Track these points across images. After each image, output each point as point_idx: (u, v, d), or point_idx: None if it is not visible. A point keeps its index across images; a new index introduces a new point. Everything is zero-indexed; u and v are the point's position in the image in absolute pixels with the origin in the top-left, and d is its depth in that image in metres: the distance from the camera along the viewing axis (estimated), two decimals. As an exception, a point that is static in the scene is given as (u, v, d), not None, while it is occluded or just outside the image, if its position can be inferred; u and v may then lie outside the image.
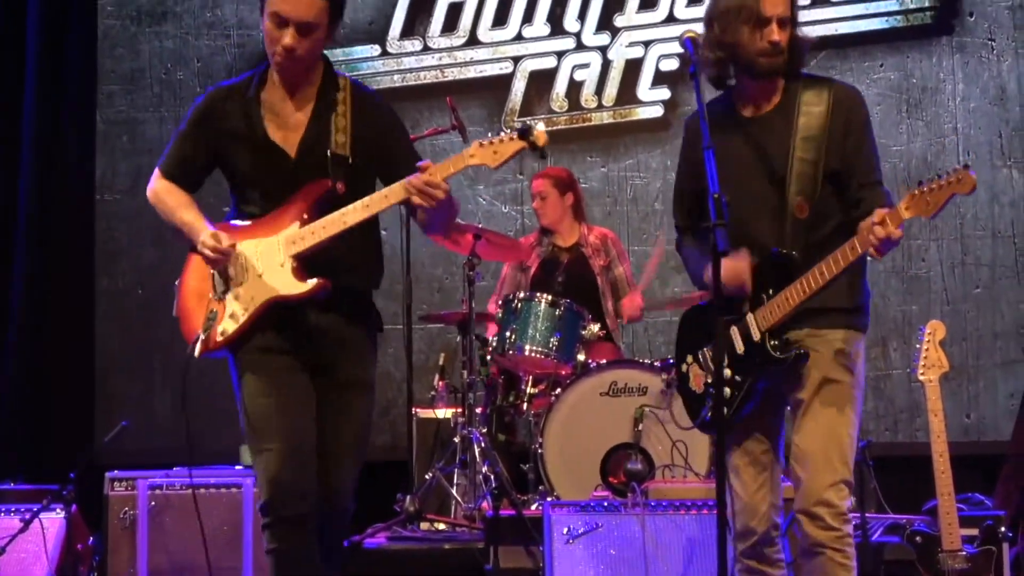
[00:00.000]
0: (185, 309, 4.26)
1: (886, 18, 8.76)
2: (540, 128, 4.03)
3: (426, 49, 9.06)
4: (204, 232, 4.12)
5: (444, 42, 9.04)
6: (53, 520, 6.17)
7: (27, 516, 6.09)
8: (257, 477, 4.17)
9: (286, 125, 4.20)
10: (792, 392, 4.13)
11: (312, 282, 4.09)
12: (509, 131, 4.07)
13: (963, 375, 8.44)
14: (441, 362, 7.85)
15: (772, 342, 4.04)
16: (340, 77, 4.26)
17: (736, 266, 4.03)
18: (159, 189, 4.33)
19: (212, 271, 4.18)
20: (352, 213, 4.07)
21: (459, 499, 6.84)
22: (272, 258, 4.11)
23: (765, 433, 4.21)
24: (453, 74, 9.05)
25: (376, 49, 9.05)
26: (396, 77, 9.04)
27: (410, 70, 9.02)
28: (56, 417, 8.69)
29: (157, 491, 6.31)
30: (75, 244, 8.93)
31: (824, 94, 4.15)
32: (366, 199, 4.08)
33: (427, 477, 7.00)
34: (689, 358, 4.29)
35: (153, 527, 6.28)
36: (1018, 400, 7.57)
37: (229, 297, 4.15)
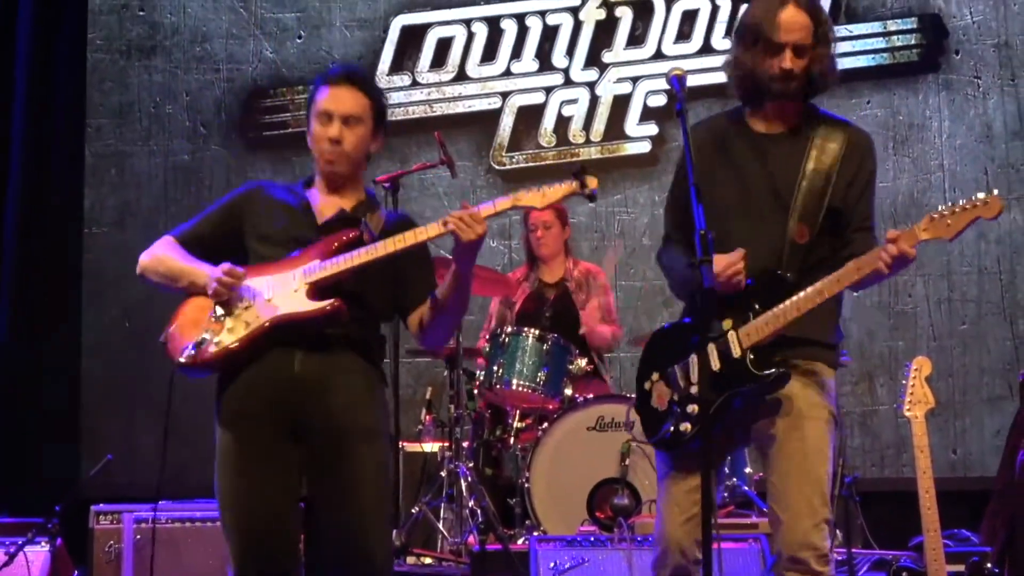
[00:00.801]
0: (174, 333, 4.05)
1: (873, 55, 8.81)
2: (590, 174, 3.96)
3: (415, 84, 9.10)
4: (216, 268, 4.02)
5: (433, 77, 9.08)
6: (38, 553, 6.15)
7: (12, 549, 6.06)
8: (228, 545, 3.98)
9: (319, 209, 4.19)
10: (761, 424, 4.08)
11: (326, 301, 3.94)
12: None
13: (949, 411, 8.45)
14: (428, 396, 7.85)
15: (752, 358, 3.99)
16: (378, 203, 4.32)
17: (730, 258, 3.96)
18: (166, 246, 4.22)
19: (214, 302, 4.03)
20: (381, 247, 3.99)
21: (445, 533, 6.82)
22: (286, 286, 3.99)
23: (714, 467, 4.15)
24: (442, 109, 9.09)
25: (365, 84, 9.07)
26: (385, 112, 9.05)
27: (399, 105, 9.05)
28: (41, 450, 8.67)
29: (142, 525, 6.28)
30: (62, 277, 8.93)
31: (840, 134, 4.15)
32: (397, 235, 4.02)
33: (413, 511, 6.98)
34: (655, 375, 4.21)
35: (138, 561, 6.25)
36: (1004, 436, 7.56)
37: (229, 319, 3.99)
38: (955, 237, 3.92)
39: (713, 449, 3.97)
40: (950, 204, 3.88)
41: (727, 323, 4.05)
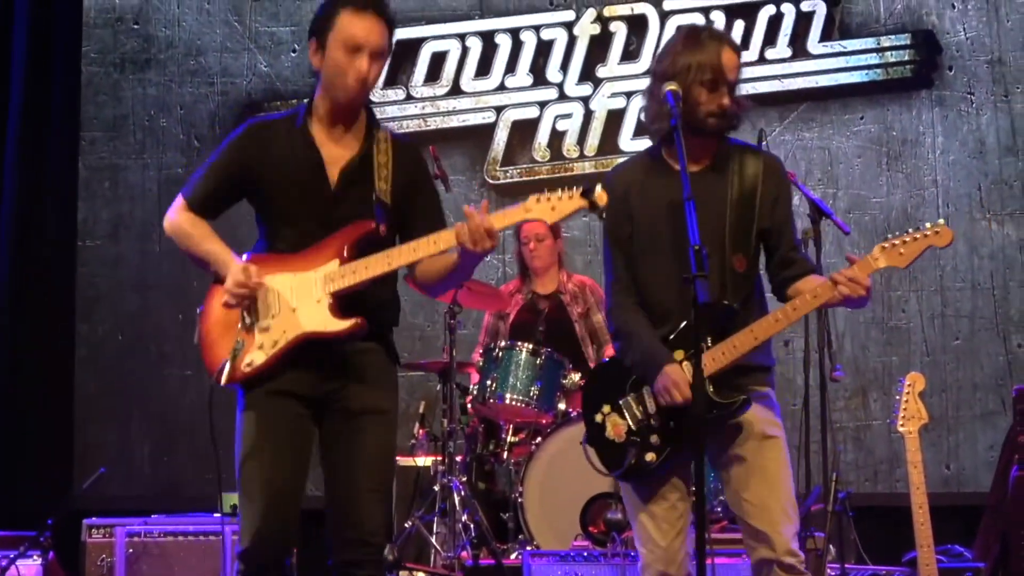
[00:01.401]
0: (209, 338, 4.11)
1: (866, 71, 8.82)
2: (600, 189, 3.87)
3: (409, 98, 9.10)
4: (234, 266, 4.03)
5: (427, 91, 9.09)
6: (30, 567, 6.15)
7: (4, 563, 6.05)
8: (241, 522, 4.08)
9: (330, 158, 4.12)
10: (725, 446, 4.20)
11: (351, 321, 3.97)
12: (567, 188, 3.91)
13: (943, 426, 8.45)
14: (421, 410, 7.83)
15: (712, 388, 4.09)
16: (383, 128, 4.24)
17: (678, 381, 4.09)
18: (183, 221, 4.19)
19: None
20: (397, 256, 4.00)
21: (438, 548, 6.81)
22: (309, 293, 4.00)
23: (683, 479, 4.27)
24: (436, 123, 9.09)
25: (359, 98, 9.07)
26: (379, 125, 9.06)
27: (393, 119, 9.05)
28: (34, 463, 8.65)
29: (135, 538, 6.28)
30: (56, 290, 8.92)
31: (755, 159, 4.30)
32: (413, 243, 4.00)
33: (406, 525, 6.97)
34: (606, 407, 4.29)
35: (131, 574, 6.25)
36: (997, 452, 7.57)
37: (258, 328, 4.02)
38: (909, 265, 4.09)
39: (682, 471, 4.26)
40: (899, 234, 4.07)
41: (679, 354, 4.17)
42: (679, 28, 4.47)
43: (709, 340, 4.10)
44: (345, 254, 4.00)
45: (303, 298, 4.00)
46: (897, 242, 4.04)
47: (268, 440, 4.04)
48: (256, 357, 4.01)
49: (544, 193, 3.93)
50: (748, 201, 4.21)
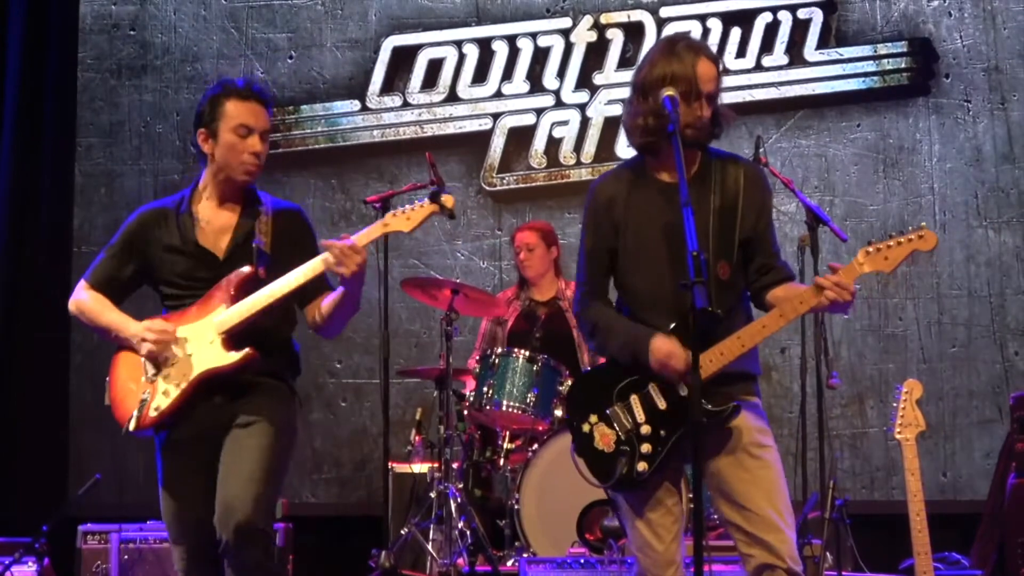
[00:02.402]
0: (118, 397, 4.48)
1: (863, 79, 8.83)
2: (446, 194, 4.36)
3: (406, 105, 9.09)
4: (137, 324, 4.42)
5: (424, 98, 9.08)
6: (25, 573, 6.14)
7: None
8: (173, 554, 4.47)
9: (216, 230, 4.51)
10: (715, 454, 4.17)
11: (242, 352, 4.32)
12: (420, 200, 4.38)
13: (939, 434, 8.45)
14: (418, 417, 7.82)
15: (702, 396, 4.02)
16: (260, 196, 4.63)
17: (673, 349, 4.09)
18: (84, 299, 4.58)
19: (143, 360, 4.41)
20: (277, 288, 4.35)
21: (435, 555, 6.80)
22: (202, 338, 4.37)
23: (675, 484, 4.26)
24: (432, 130, 9.08)
25: (356, 104, 9.09)
26: (376, 132, 9.07)
27: (389, 125, 9.05)
28: (29, 470, 8.63)
29: (130, 544, 6.28)
30: (51, 296, 8.90)
31: (737, 168, 4.29)
32: (288, 275, 4.36)
33: (403, 532, 6.97)
34: (593, 417, 4.25)
35: (126, 581, 6.24)
36: (994, 459, 7.58)
37: (160, 379, 4.38)
38: (894, 270, 4.11)
39: (676, 475, 4.24)
40: (887, 238, 4.08)
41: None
42: (658, 39, 4.50)
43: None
44: (232, 296, 4.39)
45: (198, 343, 4.38)
46: (882, 247, 4.05)
47: (184, 487, 4.39)
48: (161, 402, 4.35)
49: (400, 208, 4.39)
50: (730, 210, 4.21)
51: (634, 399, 4.19)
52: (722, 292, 4.15)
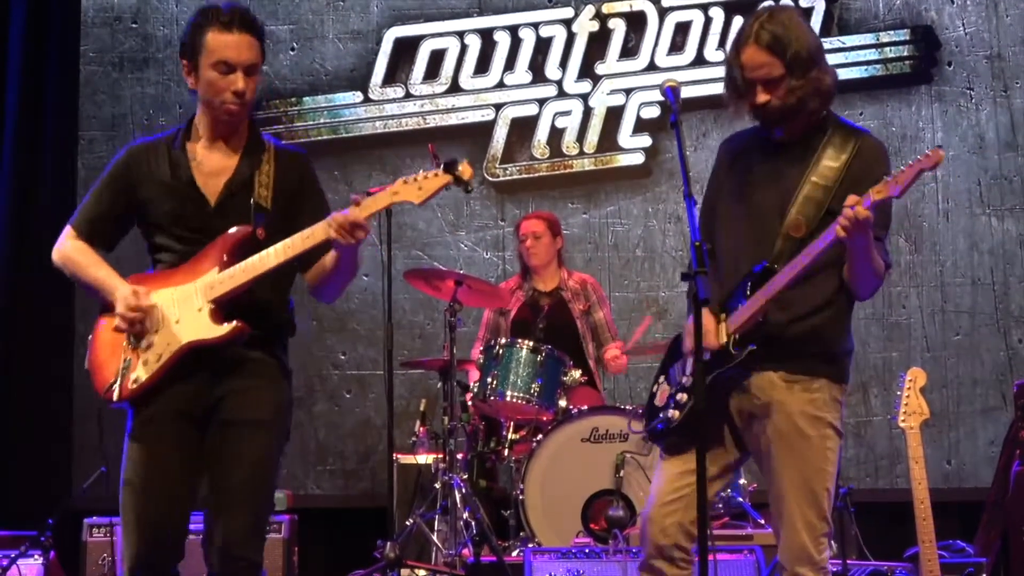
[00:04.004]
0: (97, 361, 4.13)
1: (866, 67, 8.82)
2: (465, 162, 3.99)
3: (408, 96, 9.09)
4: (122, 288, 4.07)
5: (426, 89, 9.08)
6: (31, 566, 6.15)
7: (5, 562, 6.05)
8: (123, 542, 4.11)
9: (210, 172, 4.16)
10: (759, 437, 4.11)
11: (229, 325, 4.01)
12: (434, 167, 4.02)
13: (943, 422, 8.45)
14: (422, 408, 7.84)
15: (735, 342, 4.05)
16: (265, 139, 4.28)
17: (707, 326, 4.02)
18: (70, 249, 4.24)
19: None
20: (273, 256, 4.02)
21: (440, 545, 6.81)
22: (190, 304, 4.04)
23: (708, 458, 3.98)
24: (435, 121, 9.08)
25: (358, 96, 9.09)
26: (378, 124, 9.07)
27: (392, 117, 9.06)
28: (34, 463, 8.64)
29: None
30: (54, 289, 8.90)
31: (852, 140, 4.20)
32: (287, 240, 4.02)
33: (408, 523, 6.98)
34: (662, 378, 4.34)
35: (131, 574, 6.23)
36: (998, 447, 7.58)
37: (143, 345, 4.05)
38: (902, 194, 3.93)
39: (707, 436, 4.04)
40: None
41: (722, 316, 4.11)
42: None
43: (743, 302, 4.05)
44: (224, 260, 4.05)
45: (185, 310, 4.04)
46: (896, 174, 3.93)
47: (149, 468, 4.05)
48: (141, 374, 4.03)
49: (411, 174, 4.03)
50: (829, 178, 4.09)
51: (688, 356, 4.17)
52: (787, 248, 4.03)
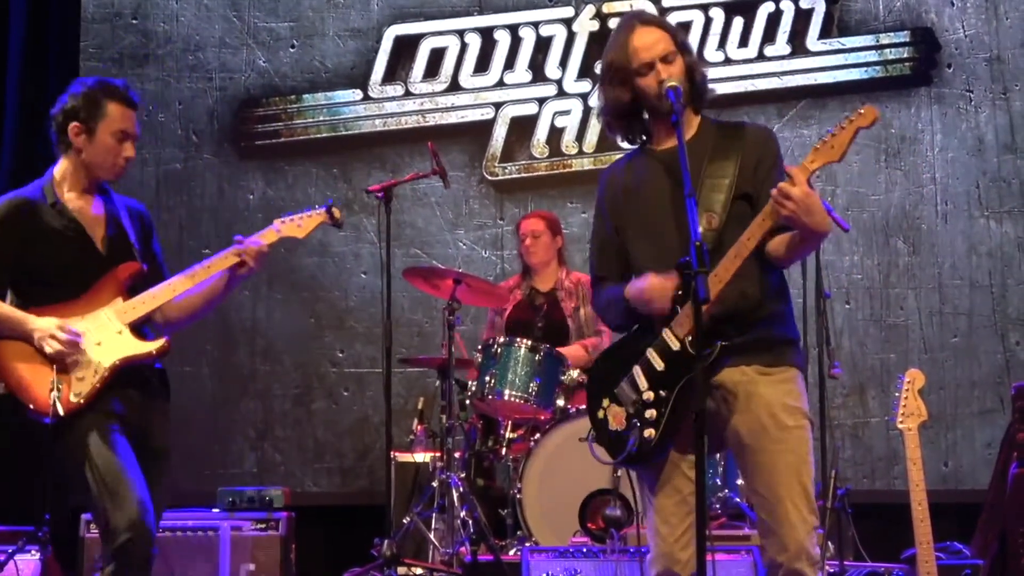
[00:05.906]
0: (22, 382, 4.50)
1: (865, 68, 8.83)
2: (336, 208, 4.89)
3: (408, 94, 9.09)
4: (42, 320, 4.45)
5: (426, 87, 9.08)
6: (28, 562, 6.13)
7: (2, 558, 6.04)
8: (111, 522, 4.36)
9: (89, 223, 4.62)
10: (740, 431, 4.07)
11: (159, 341, 4.56)
12: (315, 207, 4.87)
13: (941, 424, 8.46)
14: (420, 406, 7.84)
15: (690, 343, 3.95)
16: (106, 187, 4.77)
17: (663, 283, 4.00)
18: None
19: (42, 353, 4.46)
20: (180, 283, 4.61)
21: (437, 544, 6.80)
22: (107, 328, 4.51)
23: (693, 470, 4.03)
24: (435, 119, 9.08)
25: (358, 94, 9.09)
26: (378, 122, 9.07)
27: (391, 115, 9.06)
28: (31, 458, 8.62)
29: (133, 534, 6.25)
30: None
31: (739, 130, 4.24)
32: (190, 270, 4.61)
33: (405, 521, 6.97)
34: (605, 401, 4.19)
35: (128, 570, 6.22)
36: (995, 449, 7.58)
37: (71, 364, 4.46)
38: (842, 157, 3.94)
39: (681, 449, 4.05)
40: (830, 130, 3.98)
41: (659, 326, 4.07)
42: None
43: (681, 303, 3.97)
44: (124, 291, 4.57)
45: (104, 332, 4.51)
46: (827, 139, 3.94)
47: (120, 449, 4.45)
48: (82, 388, 4.44)
49: (290, 215, 4.85)
50: (727, 166, 4.10)
51: (637, 370, 4.07)
52: (709, 242, 3.94)
